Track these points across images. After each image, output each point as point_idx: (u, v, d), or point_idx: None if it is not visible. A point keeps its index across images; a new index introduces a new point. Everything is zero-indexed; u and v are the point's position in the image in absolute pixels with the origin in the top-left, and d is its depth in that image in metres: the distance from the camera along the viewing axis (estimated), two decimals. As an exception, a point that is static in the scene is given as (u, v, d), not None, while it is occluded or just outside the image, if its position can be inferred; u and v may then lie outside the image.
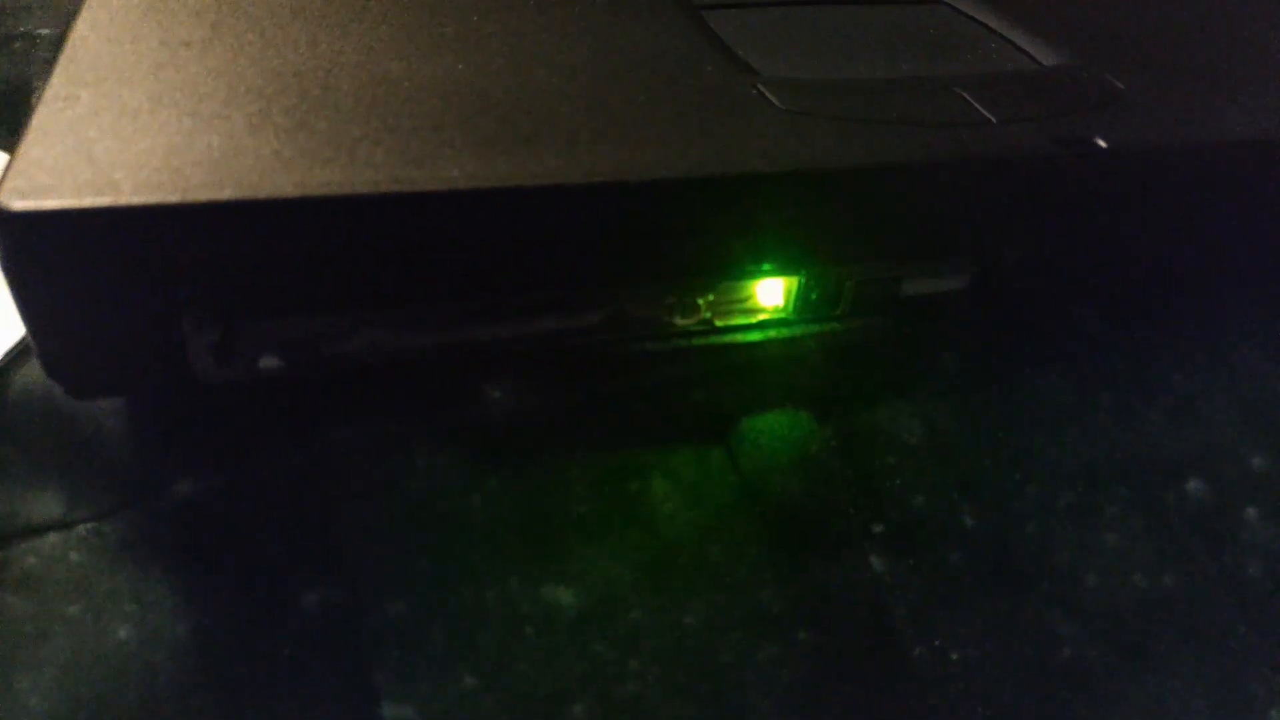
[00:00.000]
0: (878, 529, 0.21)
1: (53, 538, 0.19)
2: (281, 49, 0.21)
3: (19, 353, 0.22)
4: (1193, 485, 0.22)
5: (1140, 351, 0.25)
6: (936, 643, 0.19)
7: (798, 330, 0.23)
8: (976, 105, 0.22)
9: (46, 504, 0.20)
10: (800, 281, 0.22)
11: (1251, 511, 0.22)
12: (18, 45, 0.33)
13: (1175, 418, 0.24)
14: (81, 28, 0.21)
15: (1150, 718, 0.19)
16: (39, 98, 0.19)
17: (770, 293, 0.22)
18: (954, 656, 0.19)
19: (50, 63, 0.20)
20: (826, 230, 0.21)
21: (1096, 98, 0.23)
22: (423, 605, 0.19)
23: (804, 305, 0.22)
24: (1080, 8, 0.28)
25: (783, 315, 0.22)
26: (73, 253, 0.17)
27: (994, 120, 0.22)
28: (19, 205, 0.16)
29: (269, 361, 0.19)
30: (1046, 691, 0.19)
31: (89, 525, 0.19)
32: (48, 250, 0.17)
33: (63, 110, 0.18)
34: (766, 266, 0.21)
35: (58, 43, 0.21)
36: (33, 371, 0.22)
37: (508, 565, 0.19)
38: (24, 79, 0.32)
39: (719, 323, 0.22)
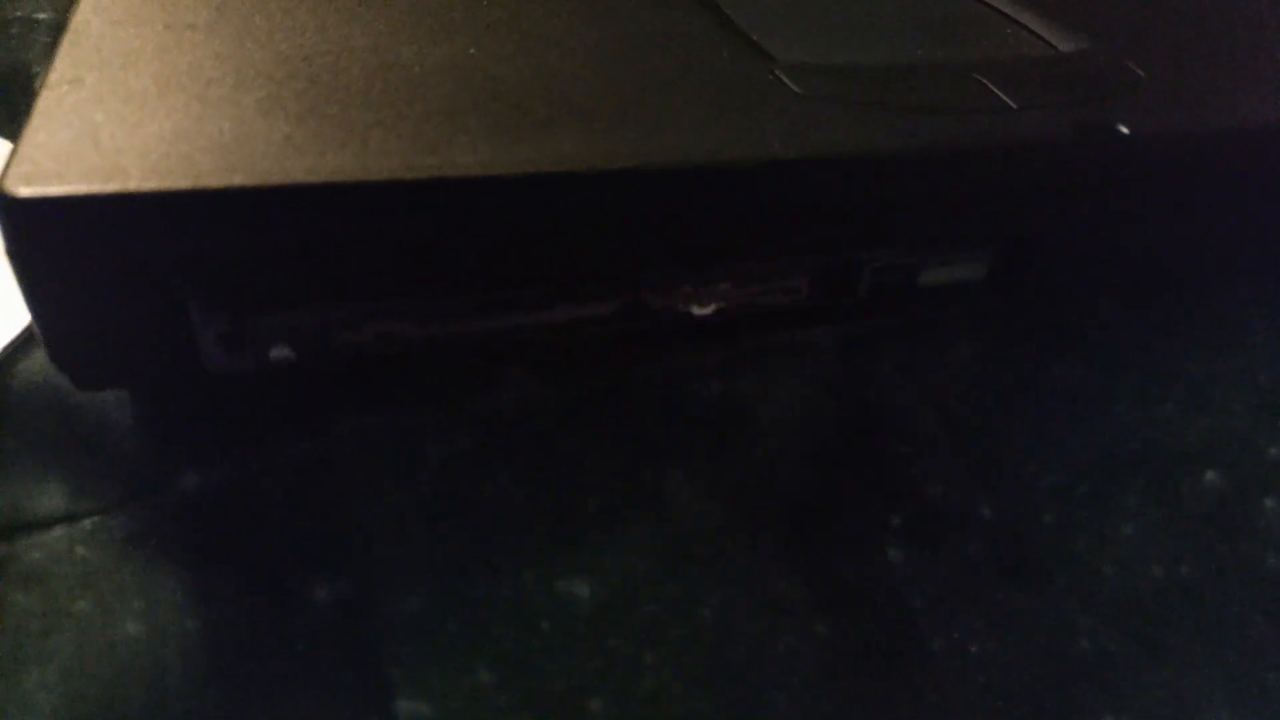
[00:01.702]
0: (895, 520, 0.21)
1: (58, 532, 0.19)
2: (290, 33, 0.21)
3: (24, 342, 0.22)
4: (1210, 475, 0.22)
5: (1158, 340, 0.25)
6: (955, 635, 0.19)
7: (815, 319, 0.23)
8: (996, 91, 0.22)
9: (52, 498, 0.19)
10: (818, 270, 0.22)
11: (1269, 502, 0.22)
12: (15, 30, 0.33)
13: (1192, 407, 0.24)
14: (84, 10, 0.21)
15: (1167, 709, 0.19)
16: (42, 82, 0.19)
17: (788, 281, 0.22)
18: (972, 649, 0.19)
19: (50, 47, 0.20)
20: (845, 217, 0.21)
21: (1116, 84, 0.23)
22: (436, 599, 0.18)
23: (821, 294, 0.22)
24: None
25: (800, 304, 0.22)
26: (79, 240, 0.17)
27: (1014, 106, 0.22)
28: (25, 192, 0.16)
29: (279, 352, 0.19)
30: (1064, 683, 0.19)
31: (95, 519, 0.19)
32: (54, 237, 0.17)
33: (67, 94, 0.18)
34: (784, 254, 0.21)
35: (56, 27, 0.21)
36: (38, 362, 0.21)
37: (522, 558, 0.19)
38: (22, 64, 0.31)
39: (735, 311, 0.22)
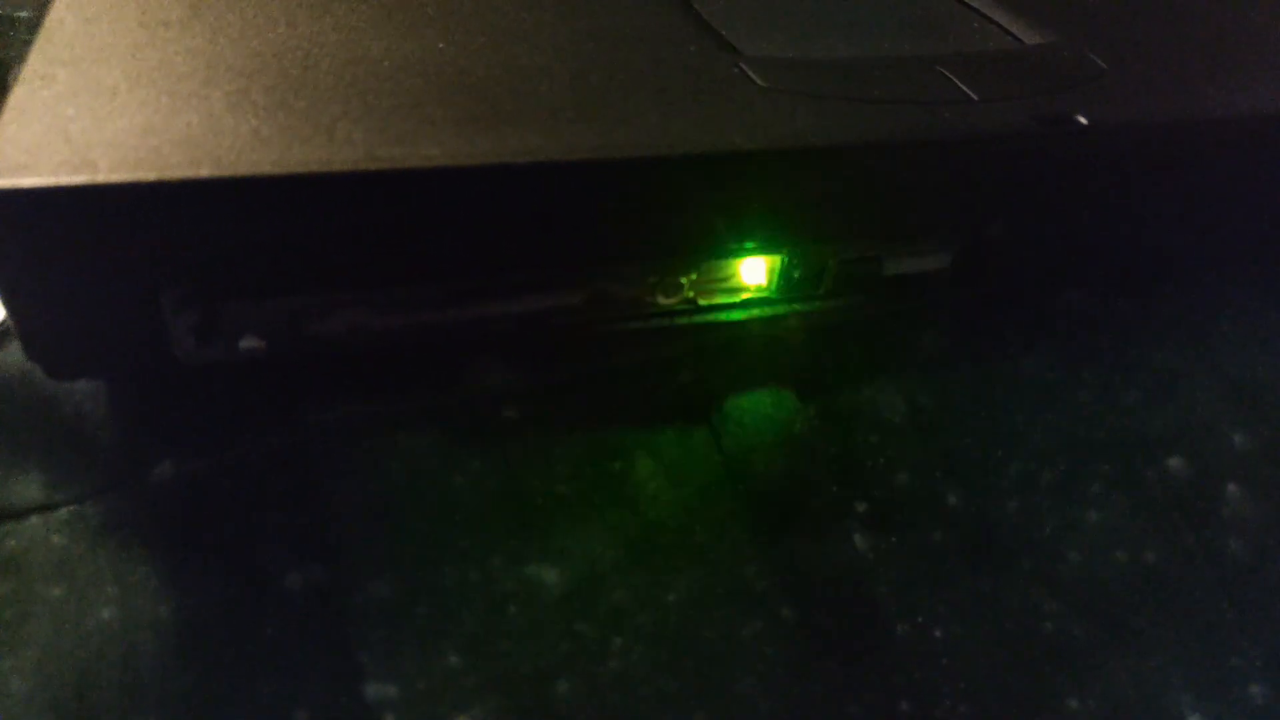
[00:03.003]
0: (861, 507, 0.21)
1: (34, 520, 0.19)
2: (261, 28, 0.21)
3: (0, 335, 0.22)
4: (1174, 462, 0.22)
5: (1122, 329, 0.25)
6: (919, 620, 0.19)
7: (780, 309, 0.23)
8: (959, 84, 0.22)
9: (27, 487, 0.20)
10: (783, 260, 0.22)
11: (1232, 488, 0.22)
12: (-4, 28, 0.33)
13: (1157, 395, 0.24)
14: (59, 8, 0.21)
15: (1131, 692, 0.19)
16: (16, 78, 0.19)
17: (753, 272, 0.22)
18: (937, 633, 0.19)
19: (28, 45, 0.20)
20: (809, 209, 0.21)
21: (1078, 76, 0.23)
22: (406, 585, 0.19)
23: (787, 284, 0.22)
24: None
25: (766, 294, 0.22)
26: (51, 232, 0.17)
27: (976, 98, 0.22)
28: (-5, 184, 0.16)
29: (250, 342, 0.19)
30: (1029, 667, 0.19)
31: (70, 508, 0.19)
32: (26, 229, 0.17)
33: (40, 89, 0.18)
34: (749, 245, 0.21)
35: (36, 25, 0.21)
36: (12, 353, 0.22)
37: (491, 544, 0.19)
38: (1, 62, 0.31)
39: (702, 302, 0.22)
